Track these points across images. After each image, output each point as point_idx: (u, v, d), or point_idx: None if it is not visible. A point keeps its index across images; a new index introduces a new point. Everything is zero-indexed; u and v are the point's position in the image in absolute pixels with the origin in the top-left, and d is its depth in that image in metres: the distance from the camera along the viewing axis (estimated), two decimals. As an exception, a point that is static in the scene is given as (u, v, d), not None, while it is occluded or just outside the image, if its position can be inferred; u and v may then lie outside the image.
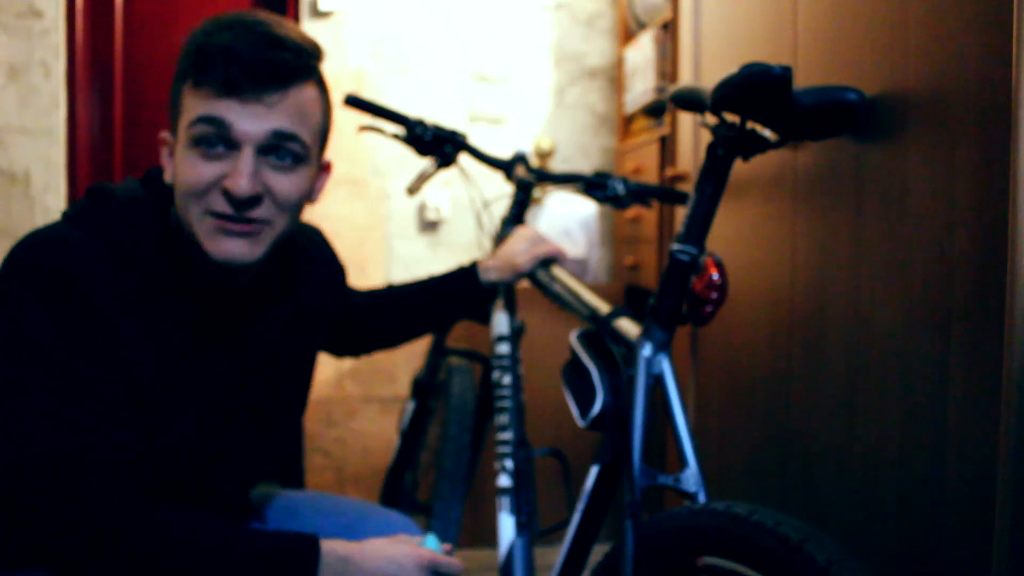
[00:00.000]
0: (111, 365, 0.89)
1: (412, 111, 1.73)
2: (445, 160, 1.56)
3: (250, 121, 0.90)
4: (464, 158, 1.57)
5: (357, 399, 2.61)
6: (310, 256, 1.17)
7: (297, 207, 0.98)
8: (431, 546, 1.00)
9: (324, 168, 1.04)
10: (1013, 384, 0.82)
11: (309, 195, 1.00)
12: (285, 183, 0.94)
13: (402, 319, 1.42)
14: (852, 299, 1.12)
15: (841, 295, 1.15)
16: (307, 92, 0.95)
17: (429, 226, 2.72)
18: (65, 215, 0.95)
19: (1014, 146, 0.81)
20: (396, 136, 1.51)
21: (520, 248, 1.42)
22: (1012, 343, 0.82)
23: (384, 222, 2.68)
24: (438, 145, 1.54)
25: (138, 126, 2.65)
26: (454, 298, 1.43)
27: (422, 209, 2.70)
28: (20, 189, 2.48)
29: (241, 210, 0.91)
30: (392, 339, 1.45)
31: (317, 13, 2.59)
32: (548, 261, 1.41)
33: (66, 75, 2.51)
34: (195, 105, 0.90)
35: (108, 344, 0.89)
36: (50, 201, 2.49)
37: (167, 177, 0.97)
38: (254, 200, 0.91)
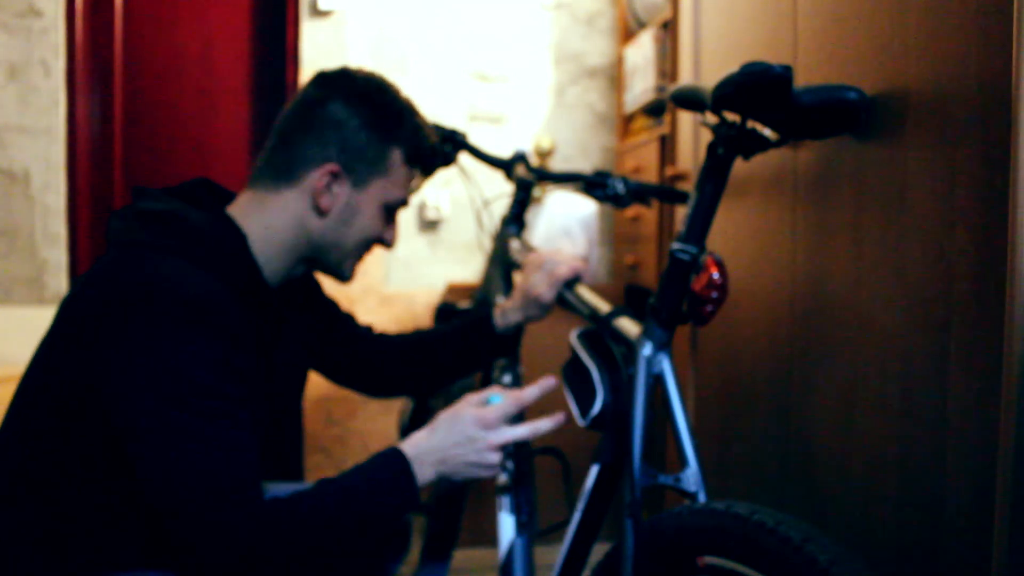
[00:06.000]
0: (242, 379, 0.95)
1: (412, 110, 1.73)
2: (445, 159, 1.56)
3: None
4: (464, 157, 1.57)
5: (357, 398, 2.61)
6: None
7: None
8: (495, 403, 1.09)
9: None
10: (1013, 384, 0.82)
11: None
12: None
13: (419, 372, 1.39)
14: (852, 299, 1.12)
15: (841, 295, 1.15)
16: None
17: (429, 225, 2.72)
18: (146, 244, 0.96)
19: (1014, 146, 0.81)
20: (396, 135, 1.51)
21: (537, 278, 1.33)
22: (1012, 343, 0.82)
23: (384, 221, 2.68)
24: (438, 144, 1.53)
25: (138, 126, 2.65)
26: (467, 351, 1.37)
27: (422, 208, 2.70)
28: (20, 188, 2.48)
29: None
30: (412, 388, 1.45)
31: (317, 12, 2.58)
32: (572, 282, 1.33)
33: (66, 74, 2.51)
34: (402, 179, 1.12)
35: (237, 362, 0.95)
36: (50, 200, 2.49)
37: (326, 204, 1.07)
38: None
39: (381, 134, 1.08)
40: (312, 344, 1.26)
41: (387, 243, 1.16)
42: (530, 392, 1.11)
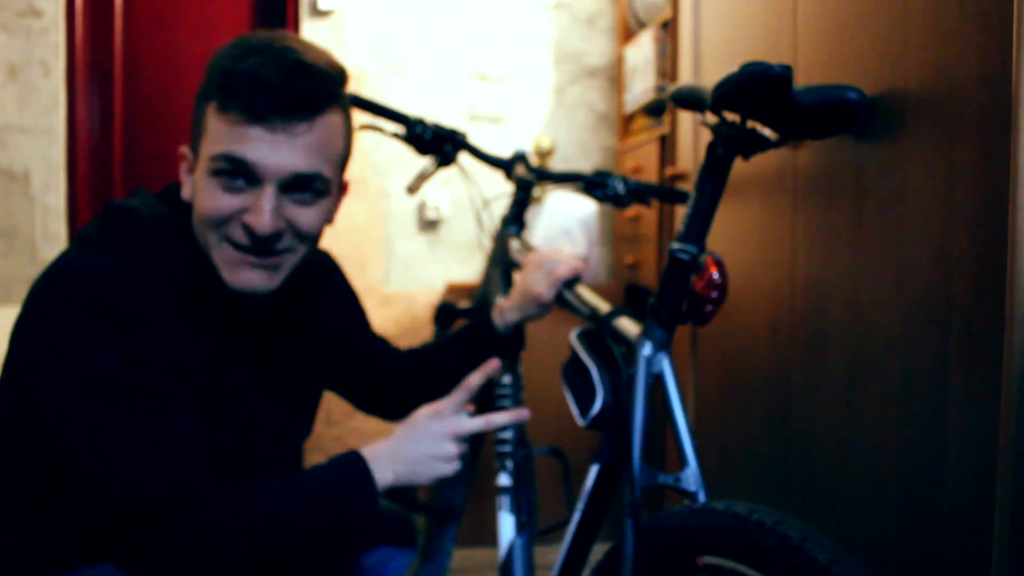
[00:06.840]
0: (175, 377, 0.91)
1: (412, 110, 1.73)
2: (445, 159, 1.55)
3: (274, 155, 0.90)
4: (464, 157, 1.57)
5: (357, 398, 2.61)
6: (326, 280, 1.20)
7: (318, 235, 1.00)
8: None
9: (342, 189, 1.05)
10: (1013, 384, 0.82)
11: (329, 219, 1.02)
12: (307, 216, 0.96)
13: (428, 385, 1.34)
14: (852, 299, 1.12)
15: (841, 295, 1.15)
16: (332, 119, 0.95)
17: (429, 225, 2.72)
18: (89, 237, 0.94)
19: (1014, 146, 0.81)
20: (396, 135, 1.51)
21: (536, 278, 1.30)
22: (1012, 343, 0.82)
23: (384, 221, 2.68)
24: (438, 144, 1.53)
25: (138, 126, 2.65)
26: (472, 356, 1.32)
27: (422, 208, 2.70)
28: (20, 188, 2.48)
29: (262, 244, 0.93)
30: (421, 404, 1.42)
31: (317, 12, 2.58)
32: (572, 281, 1.30)
33: (66, 74, 2.51)
34: (218, 132, 0.91)
35: (167, 359, 0.90)
36: (50, 200, 2.49)
37: (185, 194, 0.98)
38: (276, 235, 0.93)
39: (200, 95, 0.94)
40: (330, 359, 1.22)
41: (243, 225, 0.92)
42: (473, 379, 1.12)
